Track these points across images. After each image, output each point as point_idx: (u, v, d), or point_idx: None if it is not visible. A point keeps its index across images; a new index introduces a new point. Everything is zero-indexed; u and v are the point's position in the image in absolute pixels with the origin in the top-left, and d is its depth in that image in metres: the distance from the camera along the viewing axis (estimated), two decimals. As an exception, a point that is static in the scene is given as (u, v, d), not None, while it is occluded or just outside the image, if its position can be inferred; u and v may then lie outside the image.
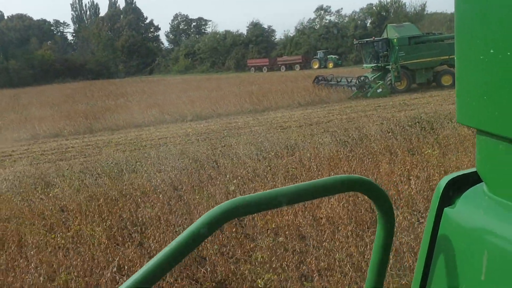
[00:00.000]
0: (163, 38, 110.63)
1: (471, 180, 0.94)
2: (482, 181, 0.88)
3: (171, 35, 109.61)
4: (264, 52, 69.54)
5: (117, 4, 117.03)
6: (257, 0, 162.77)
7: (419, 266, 0.98)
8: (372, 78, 21.85)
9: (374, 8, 61.58)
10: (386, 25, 26.49)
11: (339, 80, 22.99)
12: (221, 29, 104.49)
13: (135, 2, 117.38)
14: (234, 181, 6.83)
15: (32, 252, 4.95)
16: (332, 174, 7.10)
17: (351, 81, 21.82)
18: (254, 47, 70.33)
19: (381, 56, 22.83)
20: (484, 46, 0.74)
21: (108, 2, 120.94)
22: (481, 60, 0.75)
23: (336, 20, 66.55)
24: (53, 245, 5.19)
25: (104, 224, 5.54)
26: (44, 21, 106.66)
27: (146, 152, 11.20)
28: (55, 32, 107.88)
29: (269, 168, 7.79)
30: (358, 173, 6.83)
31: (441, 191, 0.94)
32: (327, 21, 66.15)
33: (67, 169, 9.57)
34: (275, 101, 20.42)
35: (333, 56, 54.54)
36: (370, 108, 17.71)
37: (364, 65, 25.12)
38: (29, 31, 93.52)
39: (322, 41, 62.07)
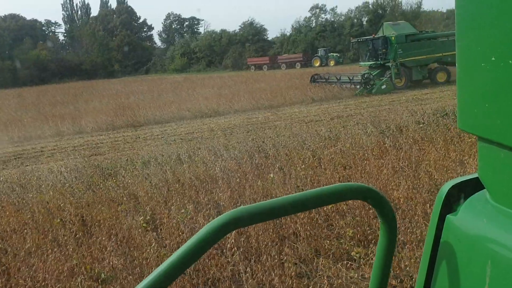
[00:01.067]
0: (155, 38, 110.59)
1: (473, 186, 0.94)
2: (484, 187, 0.88)
3: (163, 35, 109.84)
4: (261, 51, 69.95)
5: (109, 4, 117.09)
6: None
7: (421, 272, 0.98)
8: (370, 75, 22.16)
9: (370, 6, 62.18)
10: (383, 23, 26.88)
11: (338, 77, 23.21)
12: (213, 28, 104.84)
13: (127, 1, 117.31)
14: (298, 167, 7.20)
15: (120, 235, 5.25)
16: (382, 161, 7.51)
17: (353, 79, 22.10)
18: (251, 46, 70.69)
19: (380, 54, 23.21)
20: (486, 53, 0.74)
21: (99, 2, 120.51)
22: (483, 67, 0.74)
23: (332, 19, 67.06)
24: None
25: (190, 206, 5.90)
26: (36, 21, 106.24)
27: (185, 145, 11.53)
28: (46, 32, 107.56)
29: (316, 157, 8.19)
30: (412, 161, 7.26)
31: (443, 197, 0.94)
32: (323, 19, 66.63)
33: (119, 161, 9.90)
34: (289, 97, 20.82)
35: (334, 54, 55.12)
36: (385, 103, 18.18)
37: (361, 62, 25.41)
38: (23, 31, 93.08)
39: (320, 39, 62.58)
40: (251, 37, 73.06)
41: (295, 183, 6.49)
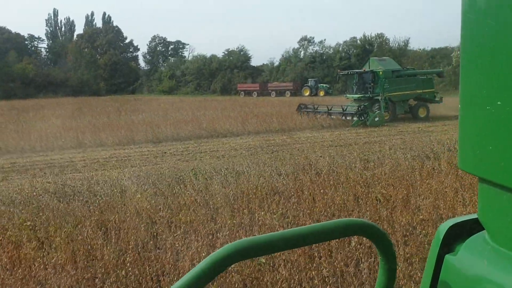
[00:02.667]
0: (140, 59, 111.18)
1: (471, 226, 0.94)
2: (482, 228, 0.88)
3: (148, 56, 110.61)
4: (250, 78, 71.18)
5: (94, 22, 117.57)
6: (233, 26, 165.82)
7: None
8: (359, 107, 22.42)
9: (358, 41, 64.45)
10: (369, 58, 28.25)
11: (330, 108, 23.65)
12: (198, 52, 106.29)
13: (112, 21, 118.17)
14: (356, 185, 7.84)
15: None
16: (436, 181, 8.22)
17: (346, 109, 22.75)
18: (240, 72, 71.91)
19: (369, 87, 24.08)
20: (491, 96, 0.74)
21: (84, 20, 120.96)
22: (488, 110, 0.75)
23: (321, 51, 69.10)
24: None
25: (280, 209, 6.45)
26: (18, 34, 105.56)
27: (218, 161, 12.07)
28: (29, 47, 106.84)
29: (371, 175, 8.85)
30: (464, 184, 7.99)
31: (441, 237, 0.94)
32: (313, 51, 68.60)
33: (169, 172, 10.34)
34: (299, 122, 21.59)
35: (324, 85, 56.64)
36: (393, 133, 19.15)
37: (348, 95, 26.03)
38: (8, 44, 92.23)
39: (309, 69, 64.29)
40: (240, 64, 74.36)
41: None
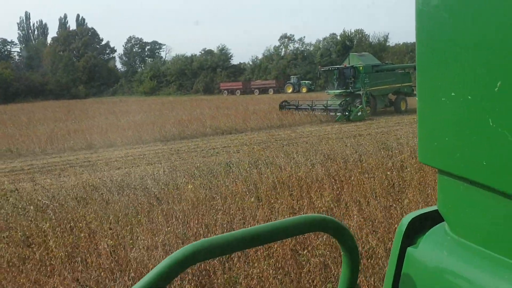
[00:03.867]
0: (117, 60, 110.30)
1: (433, 218, 0.96)
2: (443, 220, 0.90)
3: (124, 58, 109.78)
4: (232, 76, 71.60)
5: (68, 25, 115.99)
6: (209, 26, 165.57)
7: None
8: (342, 102, 23.02)
9: (338, 37, 65.57)
10: (349, 54, 28.86)
11: (312, 105, 24.08)
12: (175, 53, 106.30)
13: (86, 23, 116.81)
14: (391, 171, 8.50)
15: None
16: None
17: (328, 106, 23.17)
18: (223, 71, 72.25)
19: (350, 83, 24.62)
20: (446, 88, 0.76)
21: (58, 23, 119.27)
22: (443, 102, 0.77)
23: (302, 48, 70.01)
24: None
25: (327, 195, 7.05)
26: (4, 39, 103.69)
27: (237, 156, 12.59)
28: (2, 51, 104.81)
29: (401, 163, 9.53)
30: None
31: (403, 230, 0.95)
32: (295, 48, 69.46)
33: (197, 166, 10.81)
34: (298, 118, 22.22)
35: (306, 82, 57.55)
36: (391, 124, 19.99)
37: (329, 90, 26.56)
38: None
39: (291, 67, 65.10)
40: (222, 63, 74.67)
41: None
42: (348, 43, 63.73)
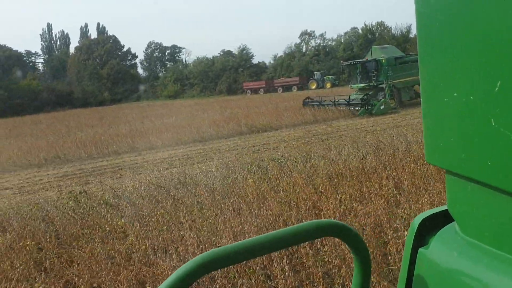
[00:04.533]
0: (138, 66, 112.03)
1: (444, 218, 0.96)
2: (453, 220, 0.91)
3: (145, 63, 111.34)
4: (254, 76, 71.99)
5: (89, 34, 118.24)
6: (227, 27, 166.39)
7: None
8: (364, 97, 22.68)
9: (360, 31, 65.27)
10: (371, 47, 28.54)
11: (335, 100, 23.76)
12: (194, 56, 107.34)
13: (107, 31, 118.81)
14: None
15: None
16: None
17: (351, 100, 22.93)
18: (245, 71, 72.73)
19: (372, 76, 24.33)
20: (448, 88, 0.76)
21: (79, 32, 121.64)
22: (446, 102, 0.77)
23: (323, 44, 69.93)
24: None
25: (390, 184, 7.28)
26: (16, 51, 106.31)
27: (282, 151, 12.89)
28: (27, 62, 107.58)
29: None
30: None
31: (415, 231, 0.95)
32: (317, 43, 69.46)
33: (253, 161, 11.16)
34: (332, 113, 22.38)
35: (330, 77, 57.52)
36: (415, 116, 20.00)
37: (353, 84, 26.33)
38: (10, 61, 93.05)
39: (314, 63, 65.11)
40: (244, 63, 75.15)
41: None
42: (370, 36, 63.41)
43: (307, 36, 74.91)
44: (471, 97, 0.72)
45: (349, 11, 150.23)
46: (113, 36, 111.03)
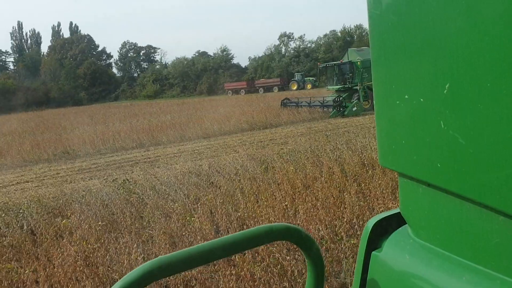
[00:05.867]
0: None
1: (397, 221, 0.96)
2: (406, 222, 0.91)
3: (119, 63, 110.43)
4: (235, 76, 72.58)
5: (61, 33, 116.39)
6: (203, 28, 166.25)
7: None
8: (342, 98, 23.34)
9: (339, 34, 66.77)
10: (347, 49, 29.48)
11: (310, 101, 24.53)
12: (169, 57, 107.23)
13: (80, 30, 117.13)
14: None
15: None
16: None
17: (324, 102, 23.62)
18: (225, 72, 73.26)
19: (348, 78, 25.10)
20: (399, 90, 0.76)
21: (50, 31, 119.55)
22: (397, 105, 0.77)
23: (303, 46, 71.13)
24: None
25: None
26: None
27: (292, 146, 13.61)
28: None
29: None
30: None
31: (368, 233, 0.95)
32: (297, 45, 70.61)
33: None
34: (324, 113, 23.14)
35: (310, 78, 58.63)
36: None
37: (329, 86, 27.08)
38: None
39: (294, 64, 66.20)
40: (224, 63, 75.66)
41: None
42: (348, 39, 64.90)
43: (286, 38, 76.00)
44: (422, 99, 0.72)
45: (327, 14, 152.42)
46: (88, 35, 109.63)
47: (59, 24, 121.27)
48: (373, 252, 0.93)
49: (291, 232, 0.92)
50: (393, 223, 0.96)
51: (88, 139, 19.54)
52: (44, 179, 13.17)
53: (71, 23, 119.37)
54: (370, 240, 0.94)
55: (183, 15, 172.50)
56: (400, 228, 0.94)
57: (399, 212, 0.93)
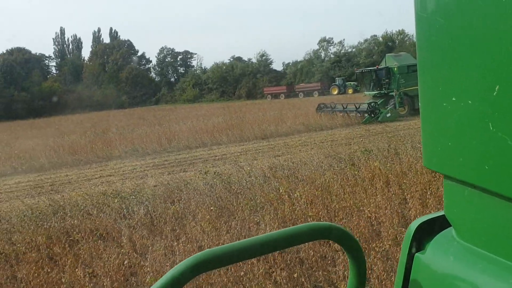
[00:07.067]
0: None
1: (441, 223, 0.96)
2: (450, 225, 0.90)
3: (157, 68, 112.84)
4: (274, 81, 73.24)
5: (101, 38, 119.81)
6: (238, 33, 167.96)
7: None
8: (376, 104, 23.26)
9: (380, 38, 66.52)
10: (385, 55, 29.21)
11: (345, 106, 24.42)
12: (205, 61, 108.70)
13: (119, 36, 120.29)
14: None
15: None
16: None
17: (359, 107, 23.45)
18: (264, 77, 74.06)
19: (384, 84, 24.94)
20: (447, 93, 0.76)
21: (91, 36, 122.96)
22: (444, 107, 0.77)
23: (343, 51, 71.21)
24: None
25: None
26: (43, 55, 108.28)
27: (354, 147, 13.99)
28: (43, 66, 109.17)
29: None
30: None
31: (411, 235, 0.95)
32: (338, 50, 70.78)
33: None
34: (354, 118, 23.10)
35: (352, 83, 58.57)
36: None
37: (366, 92, 27.08)
38: (29, 64, 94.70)
39: (335, 69, 66.34)
40: (262, 68, 76.48)
41: None
42: (390, 44, 64.58)
43: (325, 43, 76.15)
44: (470, 101, 0.72)
45: (369, 20, 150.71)
46: (128, 40, 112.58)
47: (99, 30, 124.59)
48: (416, 254, 0.93)
49: (334, 231, 0.93)
50: (436, 226, 0.97)
51: (154, 138, 20.45)
52: (125, 174, 14.02)
53: (111, 29, 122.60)
54: (413, 242, 0.95)
55: (217, 21, 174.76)
56: (444, 231, 0.94)
57: (442, 215, 0.93)
